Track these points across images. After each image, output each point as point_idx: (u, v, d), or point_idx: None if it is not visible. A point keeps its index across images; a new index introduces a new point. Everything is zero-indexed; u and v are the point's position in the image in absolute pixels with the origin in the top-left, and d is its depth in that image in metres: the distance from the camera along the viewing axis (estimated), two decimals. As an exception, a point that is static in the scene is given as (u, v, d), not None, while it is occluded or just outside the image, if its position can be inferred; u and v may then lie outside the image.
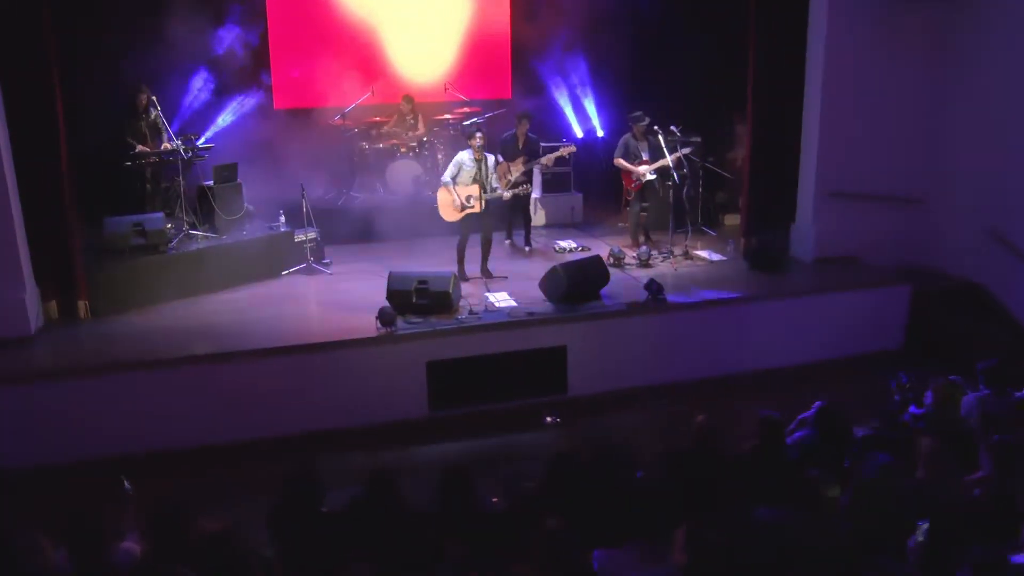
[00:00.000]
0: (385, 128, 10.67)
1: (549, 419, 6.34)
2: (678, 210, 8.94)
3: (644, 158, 9.02)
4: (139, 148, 8.45)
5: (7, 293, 7.05)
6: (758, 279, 8.48)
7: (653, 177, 8.99)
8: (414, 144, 10.56)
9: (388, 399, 7.11)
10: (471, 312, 7.42)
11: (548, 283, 7.73)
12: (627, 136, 9.10)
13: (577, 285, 7.64)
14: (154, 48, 9.11)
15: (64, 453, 6.31)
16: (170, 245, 8.16)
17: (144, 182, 8.68)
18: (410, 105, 10.74)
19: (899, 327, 8.31)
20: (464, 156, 8.26)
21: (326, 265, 8.95)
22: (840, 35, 8.33)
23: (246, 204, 8.90)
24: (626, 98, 11.63)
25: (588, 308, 7.63)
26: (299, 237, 8.93)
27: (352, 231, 9.72)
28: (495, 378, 7.32)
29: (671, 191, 8.88)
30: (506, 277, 8.49)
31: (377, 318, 7.12)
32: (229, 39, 10.24)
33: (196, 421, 6.65)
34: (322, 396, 6.94)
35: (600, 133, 11.44)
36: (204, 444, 6.59)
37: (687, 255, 8.99)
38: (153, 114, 8.62)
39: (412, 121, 10.76)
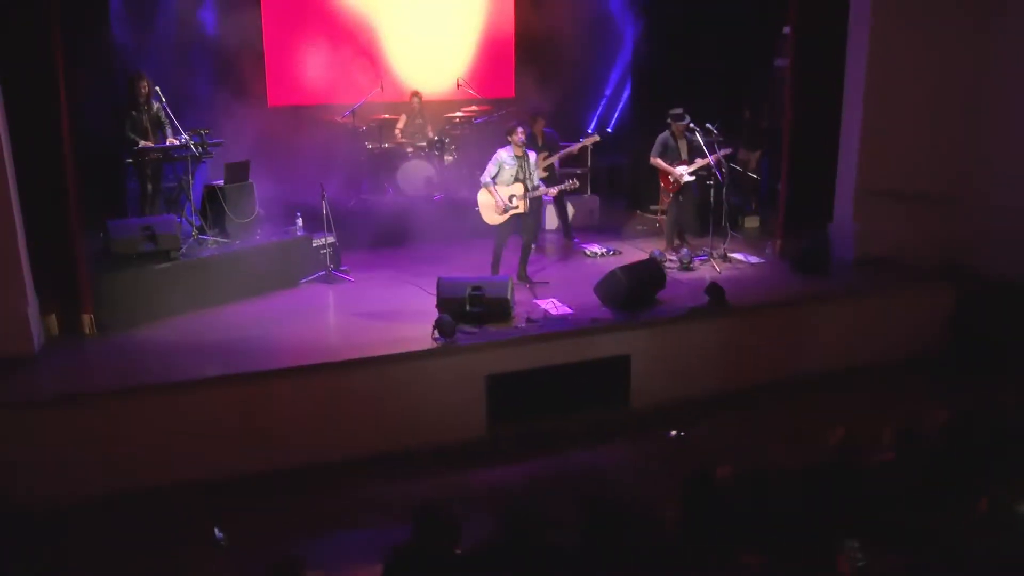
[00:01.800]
0: (398, 128, 10.04)
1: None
2: (717, 212, 8.58)
3: (683, 158, 8.64)
4: (142, 144, 7.57)
5: (8, 305, 6.18)
6: (804, 281, 8.20)
7: (692, 179, 8.61)
8: (423, 144, 9.95)
9: (443, 418, 6.49)
10: (529, 320, 6.87)
11: (606, 287, 7.25)
12: (665, 135, 8.69)
13: (637, 290, 7.19)
14: (147, 38, 8.33)
15: (92, 484, 5.52)
16: (181, 251, 7.34)
17: (145, 181, 7.79)
18: (419, 102, 10.15)
19: (944, 328, 8.14)
20: (503, 154, 7.69)
21: (346, 272, 8.24)
22: (883, 31, 8.13)
23: (257, 207, 8.14)
24: (635, 97, 11.34)
25: (648, 314, 7.18)
26: (317, 242, 8.21)
27: (365, 236, 9.03)
28: (555, 392, 6.79)
29: (711, 191, 8.50)
30: (547, 283, 7.96)
31: (435, 328, 6.51)
32: (223, 31, 9.52)
33: (228, 449, 5.90)
34: (367, 418, 6.27)
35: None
36: (241, 474, 5.86)
37: (725, 258, 8.65)
38: (155, 106, 7.75)
39: (421, 122, 10.17)
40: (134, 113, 7.64)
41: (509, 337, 6.63)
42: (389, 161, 9.86)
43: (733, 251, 8.85)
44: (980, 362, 7.68)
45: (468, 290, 6.82)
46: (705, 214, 8.70)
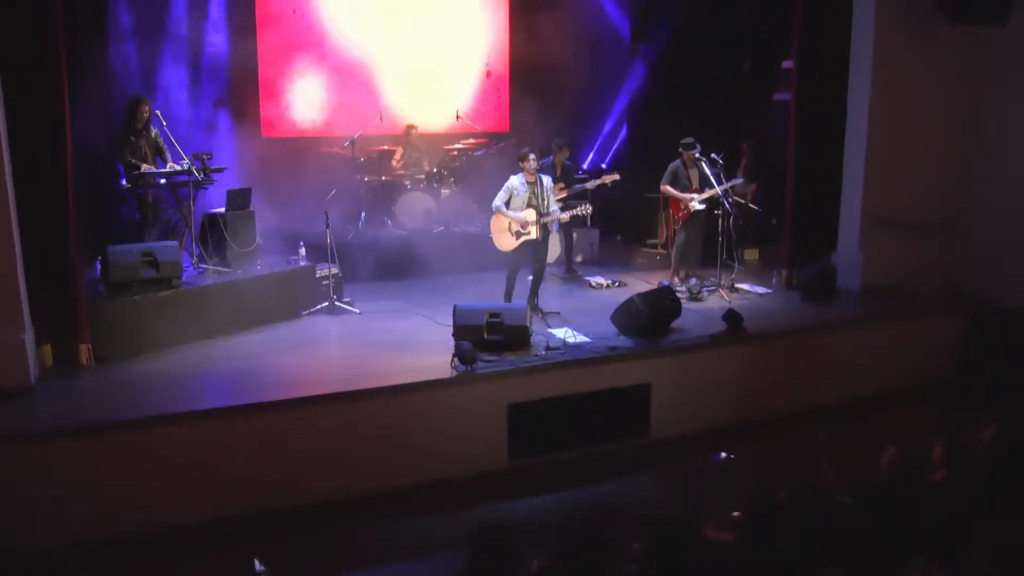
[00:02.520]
0: (395, 160, 9.90)
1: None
2: (727, 241, 8.53)
3: (694, 186, 8.60)
4: (144, 168, 7.29)
5: (4, 333, 5.81)
6: (814, 309, 8.15)
7: (702, 207, 8.56)
8: (421, 176, 9.81)
9: (462, 449, 6.22)
10: (548, 348, 6.67)
11: (624, 316, 7.10)
12: (676, 163, 8.65)
13: (655, 317, 7.05)
14: (143, 64, 8.13)
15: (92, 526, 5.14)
16: (182, 279, 7.04)
17: (145, 208, 7.50)
18: (415, 135, 10.05)
19: (953, 354, 8.14)
20: (515, 180, 7.57)
21: (349, 304, 7.98)
22: (884, 63, 8.25)
23: (258, 236, 7.89)
24: (632, 132, 11.37)
25: (667, 342, 7.04)
26: (320, 272, 7.96)
27: (366, 268, 8.80)
28: (577, 422, 6.58)
29: (720, 220, 8.45)
30: (558, 312, 7.79)
31: (455, 356, 6.27)
32: (218, 60, 9.36)
33: (238, 484, 5.56)
34: (383, 449, 5.97)
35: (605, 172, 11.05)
36: (260, 509, 5.53)
37: (733, 288, 8.58)
38: (154, 132, 7.50)
39: (417, 155, 10.05)
40: (132, 138, 7.38)
41: (531, 365, 6.42)
42: (387, 194, 9.70)
43: (740, 281, 8.80)
44: (989, 388, 7.69)
45: (486, 317, 6.62)
46: (713, 244, 8.64)
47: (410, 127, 10.12)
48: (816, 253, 8.73)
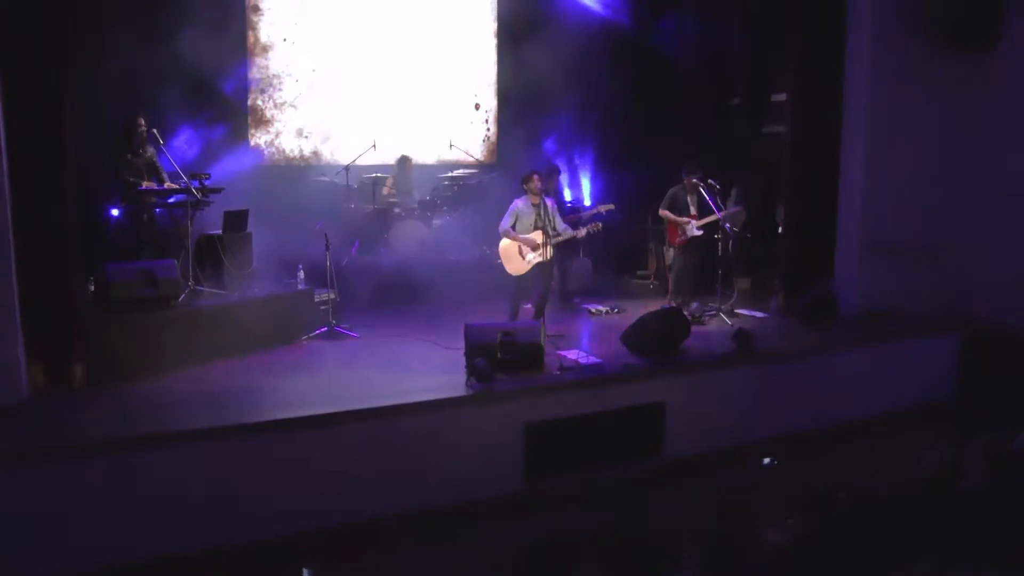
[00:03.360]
0: (387, 189, 9.81)
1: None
2: (726, 266, 8.55)
3: (692, 212, 8.63)
4: (145, 185, 7.07)
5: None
6: (814, 332, 8.16)
7: (700, 233, 8.58)
8: (414, 206, 9.72)
9: (475, 471, 6.00)
10: (562, 368, 6.53)
11: (635, 335, 7.02)
12: (676, 188, 8.67)
13: (668, 336, 6.99)
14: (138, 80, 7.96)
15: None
16: (180, 299, 6.78)
17: (139, 228, 7.25)
18: (408, 165, 10.00)
19: (953, 375, 8.21)
20: (519, 204, 7.52)
21: (348, 329, 7.76)
22: (879, 88, 8.42)
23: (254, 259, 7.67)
24: (616, 163, 11.44)
25: (679, 361, 6.97)
26: (319, 297, 7.75)
27: (361, 295, 8.61)
28: (591, 442, 6.42)
29: (719, 245, 8.47)
30: (563, 335, 7.68)
31: (471, 374, 6.10)
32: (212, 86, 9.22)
33: (234, 511, 5.27)
34: (389, 472, 5.71)
35: (588, 203, 11.09)
36: (267, 535, 5.24)
37: (732, 313, 8.57)
38: (151, 151, 7.31)
39: (407, 185, 9.97)
40: (128, 156, 7.17)
41: (548, 384, 6.27)
42: (381, 221, 9.57)
43: (737, 306, 8.81)
44: (991, 405, 7.75)
45: (499, 336, 6.47)
46: (712, 269, 8.65)
47: (404, 157, 10.07)
48: (811, 278, 8.77)
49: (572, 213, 9.34)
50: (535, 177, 7.46)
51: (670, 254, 9.04)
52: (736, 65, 10.73)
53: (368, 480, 5.64)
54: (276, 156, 10.07)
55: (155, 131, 7.27)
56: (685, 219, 8.59)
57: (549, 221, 7.45)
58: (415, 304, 8.85)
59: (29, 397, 5.71)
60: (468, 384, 6.11)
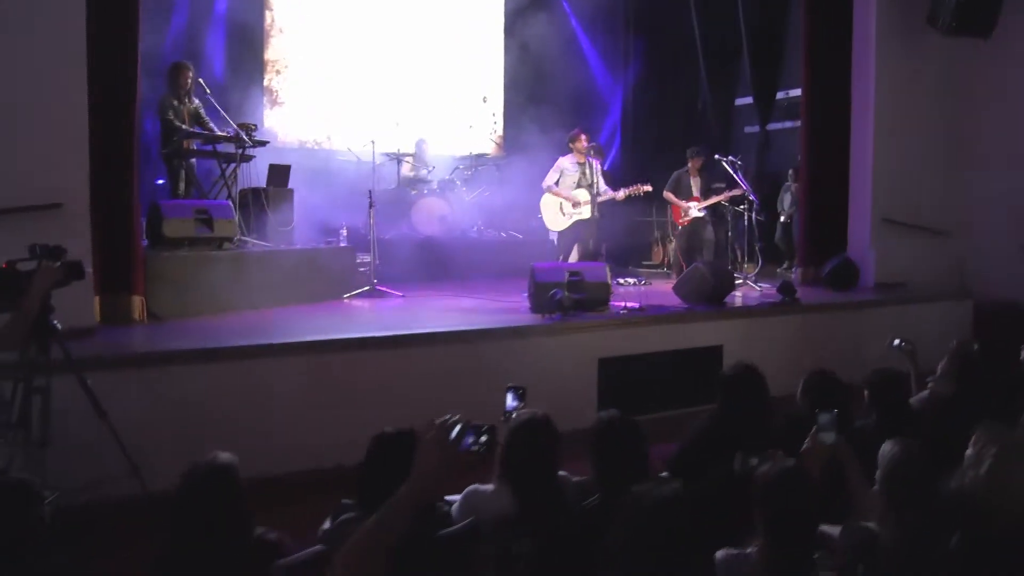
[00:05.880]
0: (406, 168, 9.80)
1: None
2: (751, 239, 8.82)
3: (695, 194, 8.93)
4: (191, 128, 6.90)
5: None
6: (842, 295, 8.43)
7: (702, 214, 8.89)
8: (434, 185, 9.74)
9: (555, 403, 5.94)
10: (627, 308, 6.59)
11: (688, 284, 7.15)
12: (680, 171, 9.00)
13: (720, 284, 7.13)
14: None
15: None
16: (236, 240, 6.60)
17: (177, 178, 7.04)
18: (423, 147, 10.03)
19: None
20: (564, 161, 7.64)
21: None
22: (885, 73, 8.93)
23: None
24: (622, 159, 11.71)
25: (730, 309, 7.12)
26: (360, 259, 7.64)
27: (386, 270, 8.49)
28: (657, 382, 6.46)
29: (744, 216, 8.74)
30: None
31: (545, 309, 6.08)
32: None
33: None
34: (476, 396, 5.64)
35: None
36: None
37: (756, 282, 8.81)
38: (196, 103, 7.16)
39: (424, 169, 9.98)
40: (175, 102, 7.00)
41: (621, 318, 6.32)
42: (402, 199, 9.53)
43: (759, 280, 9.06)
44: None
45: (567, 275, 6.49)
46: (732, 244, 8.92)
47: (421, 140, 10.11)
48: (827, 254, 9.11)
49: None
50: (582, 136, 7.59)
51: (672, 244, 9.32)
52: (743, 62, 11.18)
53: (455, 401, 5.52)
54: (287, 137, 9.97)
55: (201, 81, 7.14)
56: (687, 204, 8.88)
57: (595, 180, 7.57)
58: (442, 279, 8.77)
59: (96, 324, 5.47)
60: (544, 316, 6.09)
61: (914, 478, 2.34)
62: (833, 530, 2.46)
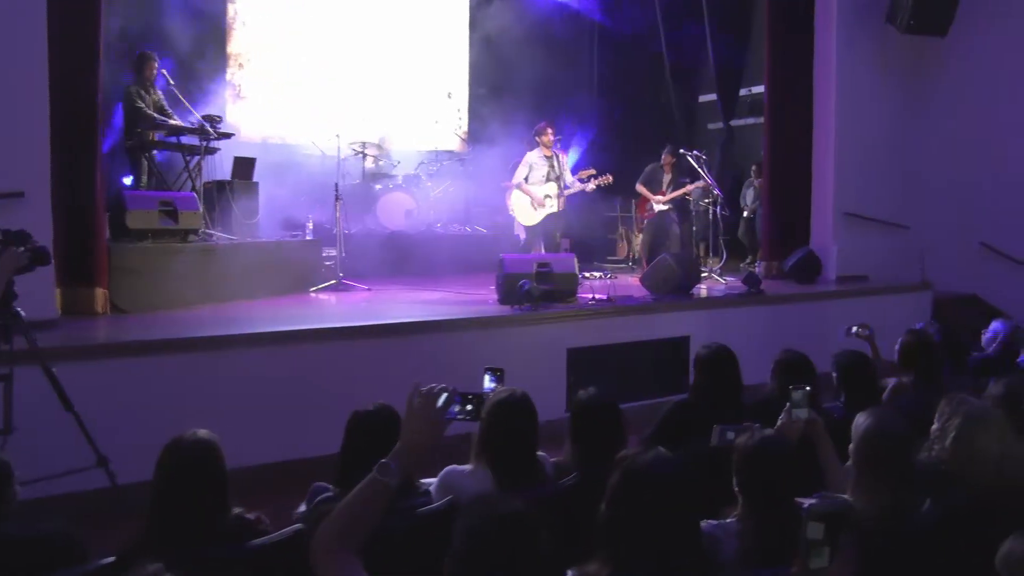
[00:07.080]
0: (370, 162, 9.74)
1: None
2: (715, 232, 8.94)
3: (662, 189, 9.04)
4: (159, 118, 6.78)
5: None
6: (805, 288, 8.57)
7: (666, 208, 9.01)
8: (399, 180, 9.69)
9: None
10: (595, 298, 6.63)
11: (656, 275, 7.22)
12: (654, 164, 9.13)
13: (687, 276, 7.20)
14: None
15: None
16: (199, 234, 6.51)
17: (140, 170, 6.92)
18: (386, 143, 9.98)
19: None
20: (532, 155, 7.68)
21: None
22: (846, 73, 9.10)
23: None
24: (589, 157, 11.75)
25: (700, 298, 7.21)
26: (326, 253, 7.58)
27: (351, 264, 8.43)
28: (624, 373, 6.51)
29: (709, 212, 8.86)
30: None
31: (513, 300, 6.09)
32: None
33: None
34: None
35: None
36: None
37: (721, 275, 8.93)
38: (159, 94, 7.04)
39: (389, 165, 9.93)
40: (143, 92, 6.87)
41: (590, 309, 6.35)
42: (367, 194, 9.46)
43: (724, 274, 9.17)
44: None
45: (535, 266, 6.51)
46: (696, 238, 9.04)
47: (384, 136, 10.05)
48: (790, 247, 9.26)
49: None
50: (549, 130, 7.63)
51: (639, 238, 9.44)
52: (707, 58, 11.31)
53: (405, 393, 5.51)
54: (249, 133, 9.84)
55: (164, 72, 7.03)
56: (655, 199, 9.01)
57: (562, 173, 7.61)
58: (408, 273, 8.73)
59: (59, 316, 5.35)
60: (513, 307, 6.10)
61: (888, 446, 2.39)
62: (807, 501, 2.51)
